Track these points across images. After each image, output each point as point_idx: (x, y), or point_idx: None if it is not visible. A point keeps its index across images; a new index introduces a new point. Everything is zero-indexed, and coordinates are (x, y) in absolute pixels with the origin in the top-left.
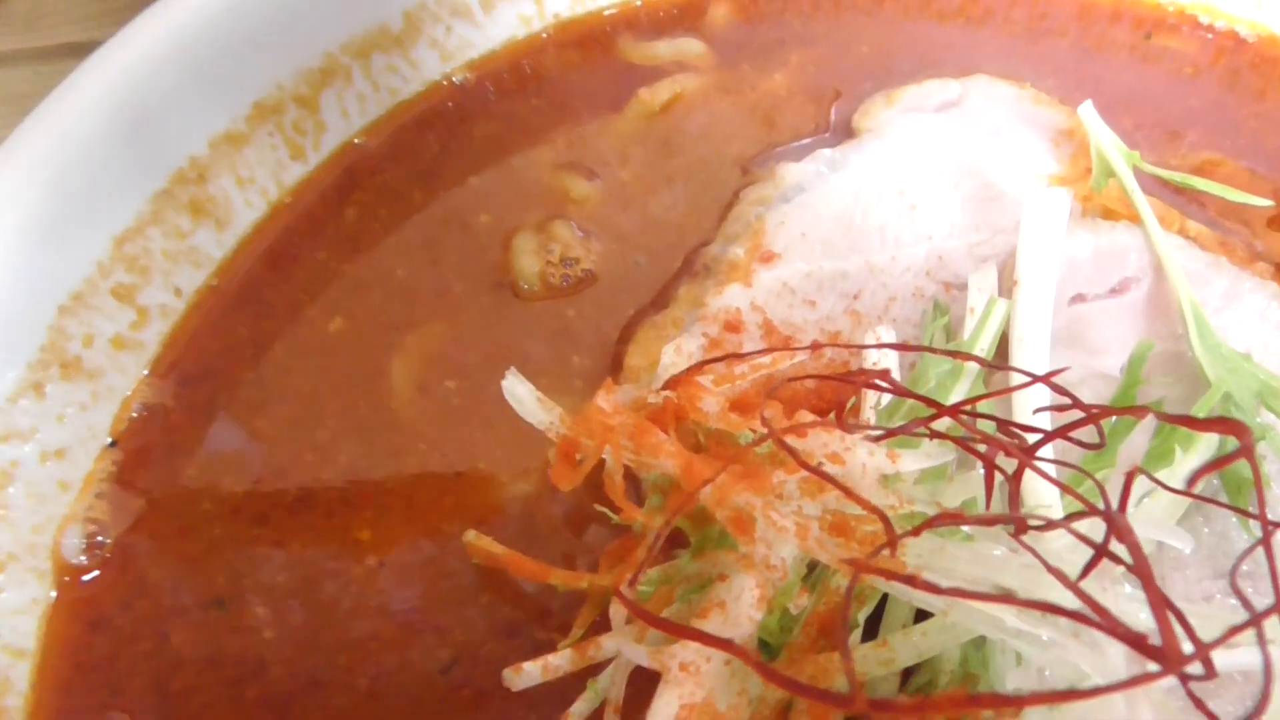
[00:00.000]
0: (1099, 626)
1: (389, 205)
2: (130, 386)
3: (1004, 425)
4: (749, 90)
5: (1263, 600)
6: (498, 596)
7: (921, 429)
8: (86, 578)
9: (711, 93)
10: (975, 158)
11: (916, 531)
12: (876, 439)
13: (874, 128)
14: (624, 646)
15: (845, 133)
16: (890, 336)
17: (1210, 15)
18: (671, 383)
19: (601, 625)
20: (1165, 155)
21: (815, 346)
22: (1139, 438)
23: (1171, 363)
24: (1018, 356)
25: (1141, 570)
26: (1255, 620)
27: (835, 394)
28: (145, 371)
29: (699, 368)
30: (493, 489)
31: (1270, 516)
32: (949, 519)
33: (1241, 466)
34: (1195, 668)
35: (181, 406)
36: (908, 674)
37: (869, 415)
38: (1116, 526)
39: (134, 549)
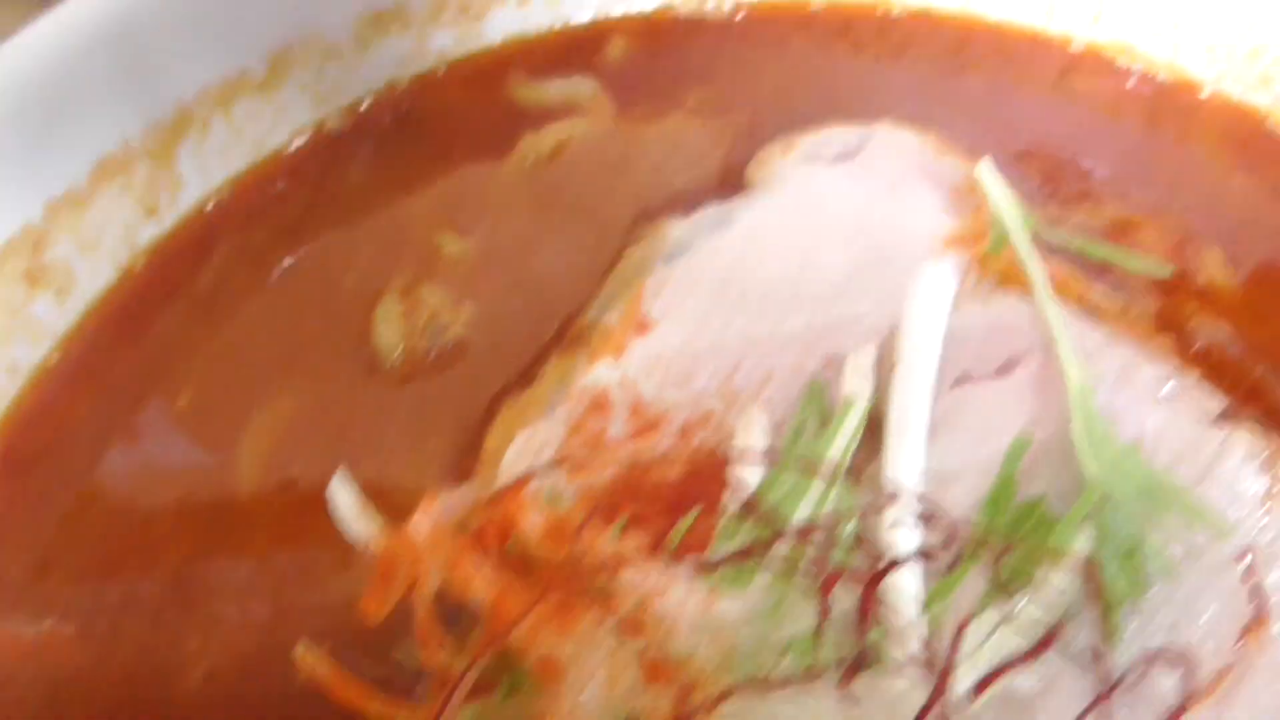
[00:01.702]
0: None
1: (248, 267)
2: None
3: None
4: (641, 136)
5: None
6: None
7: (753, 558)
8: None
9: (602, 139)
10: (867, 216)
11: (722, 697)
12: (706, 565)
13: (767, 179)
14: None
15: (740, 184)
16: (762, 420)
17: (1129, 58)
18: (498, 495)
19: None
20: (1076, 211)
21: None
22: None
23: (1058, 452)
24: (892, 447)
25: None
26: None
27: (699, 485)
28: None
29: (526, 480)
30: (335, 589)
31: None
32: (757, 686)
33: (1111, 579)
34: None
35: (10, 495)
36: None
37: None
38: (942, 677)
39: None
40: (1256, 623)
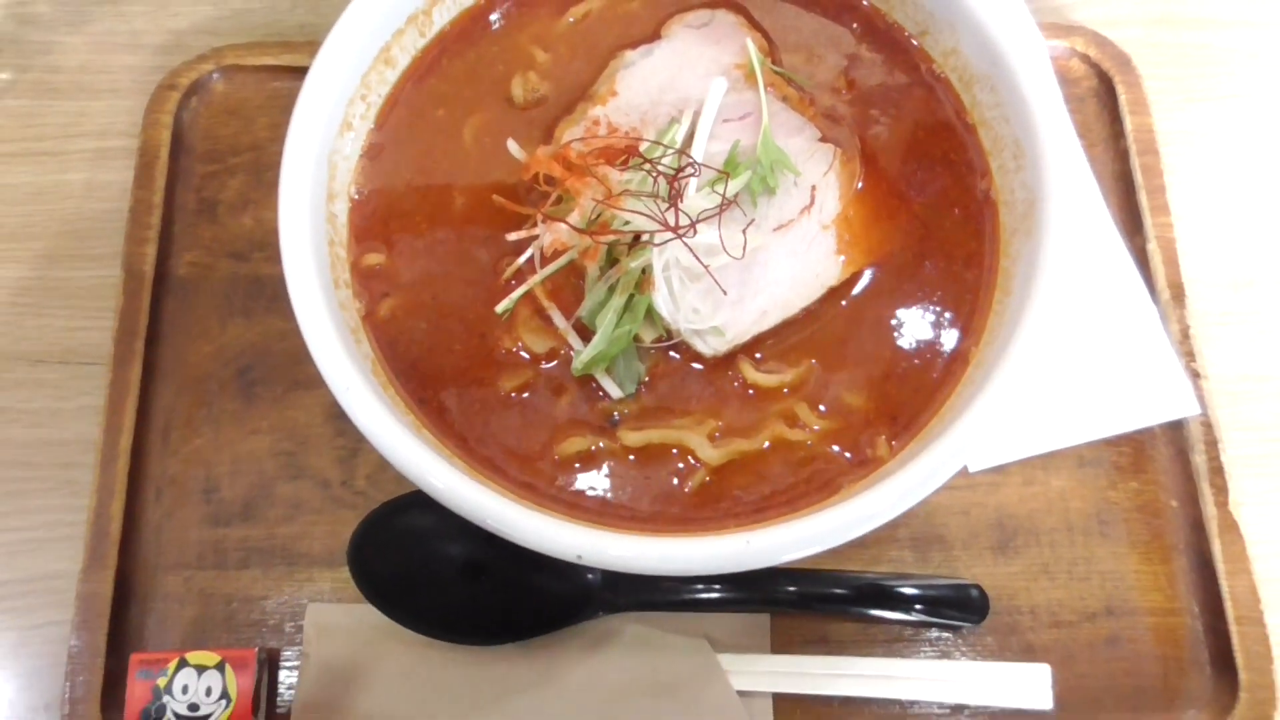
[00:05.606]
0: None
1: (463, 61)
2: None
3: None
4: (620, 10)
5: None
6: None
7: (638, 164)
8: None
9: (604, 12)
10: (703, 54)
11: (618, 198)
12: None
13: (668, 34)
14: (541, 229)
15: (659, 36)
16: (651, 131)
17: None
18: (561, 146)
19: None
20: (794, 56)
21: (622, 136)
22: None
23: (753, 150)
24: (695, 144)
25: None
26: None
27: (631, 151)
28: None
29: (569, 143)
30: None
31: (768, 207)
32: (626, 193)
33: (755, 187)
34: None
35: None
36: None
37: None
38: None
39: None
40: (806, 208)
